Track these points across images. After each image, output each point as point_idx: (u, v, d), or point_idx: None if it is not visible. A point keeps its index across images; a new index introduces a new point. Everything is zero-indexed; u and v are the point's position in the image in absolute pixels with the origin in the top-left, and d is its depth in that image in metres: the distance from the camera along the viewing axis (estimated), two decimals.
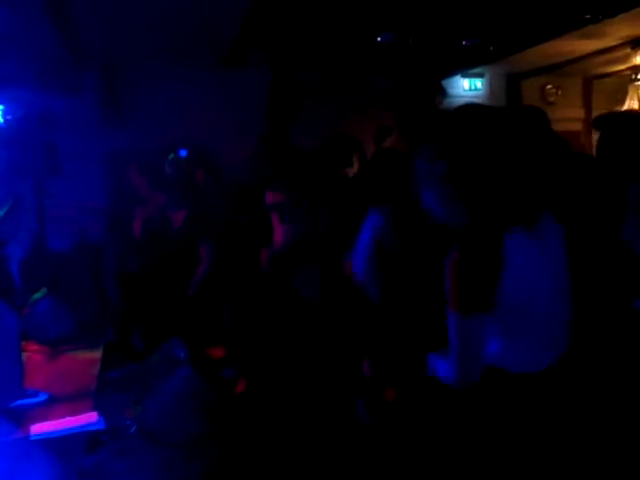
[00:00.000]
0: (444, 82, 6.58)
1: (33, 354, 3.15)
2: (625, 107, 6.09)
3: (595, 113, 7.36)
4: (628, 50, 5.81)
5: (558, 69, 6.71)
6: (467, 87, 6.98)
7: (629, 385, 2.12)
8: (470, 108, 1.71)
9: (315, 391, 2.95)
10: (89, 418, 2.25)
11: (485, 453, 1.58)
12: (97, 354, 3.13)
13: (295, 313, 3.29)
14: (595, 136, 3.07)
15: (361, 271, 2.64)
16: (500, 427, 1.56)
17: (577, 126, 7.44)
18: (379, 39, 5.03)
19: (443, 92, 6.55)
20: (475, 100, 6.52)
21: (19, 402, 2.79)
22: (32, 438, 2.06)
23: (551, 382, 1.56)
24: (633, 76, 6.15)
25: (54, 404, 2.40)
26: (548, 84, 7.36)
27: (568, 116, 7.01)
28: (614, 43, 5.68)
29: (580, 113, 7.55)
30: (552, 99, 7.31)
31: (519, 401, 1.54)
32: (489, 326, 1.51)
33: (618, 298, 2.33)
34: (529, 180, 1.57)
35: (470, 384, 1.54)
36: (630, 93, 6.13)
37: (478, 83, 7.02)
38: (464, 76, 6.91)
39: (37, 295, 4.15)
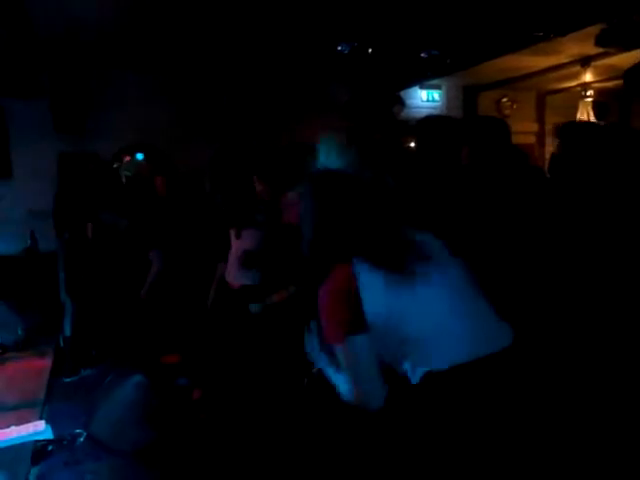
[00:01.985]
0: (402, 93, 6.68)
1: None
2: None
3: (547, 127, 7.60)
4: (578, 67, 6.03)
5: (513, 83, 6.89)
6: (425, 98, 7.10)
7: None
8: (427, 120, 1.77)
9: (267, 399, 2.95)
10: (36, 427, 2.17)
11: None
12: (47, 361, 3.03)
13: (247, 322, 3.27)
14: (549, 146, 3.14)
15: None
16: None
17: (530, 139, 7.65)
18: (339, 49, 5.08)
19: (401, 102, 6.67)
20: (433, 111, 6.64)
21: None
22: None
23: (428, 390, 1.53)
24: (583, 92, 6.40)
25: None
26: (504, 97, 7.56)
27: (522, 129, 7.20)
28: (565, 61, 5.88)
29: (534, 127, 7.77)
30: (507, 112, 7.50)
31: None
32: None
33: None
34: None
35: (373, 404, 1.54)
36: (580, 109, 6.37)
37: (436, 95, 7.14)
38: (422, 87, 7.02)
39: None
